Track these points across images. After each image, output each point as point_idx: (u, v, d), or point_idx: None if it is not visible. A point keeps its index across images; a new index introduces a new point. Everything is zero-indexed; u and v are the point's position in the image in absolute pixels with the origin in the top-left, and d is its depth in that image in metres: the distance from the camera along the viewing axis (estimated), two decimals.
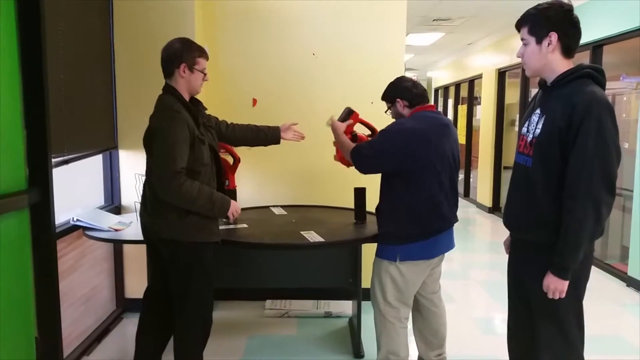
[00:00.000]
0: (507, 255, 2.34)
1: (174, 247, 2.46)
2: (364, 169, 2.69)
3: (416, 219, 2.59)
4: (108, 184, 3.67)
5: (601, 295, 4.47)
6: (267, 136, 3.04)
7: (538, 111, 2.05)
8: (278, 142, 3.09)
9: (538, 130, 2.00)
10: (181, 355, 2.59)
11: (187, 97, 2.48)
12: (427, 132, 2.56)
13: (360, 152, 2.64)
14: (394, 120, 2.77)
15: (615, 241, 5.35)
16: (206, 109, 2.63)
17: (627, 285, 4.70)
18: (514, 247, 2.26)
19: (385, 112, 2.84)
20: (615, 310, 4.17)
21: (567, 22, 1.98)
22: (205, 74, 2.52)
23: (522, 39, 2.05)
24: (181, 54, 2.43)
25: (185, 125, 2.35)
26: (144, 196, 2.57)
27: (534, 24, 2.00)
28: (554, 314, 2.04)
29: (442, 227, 2.65)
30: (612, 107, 1.92)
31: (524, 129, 2.11)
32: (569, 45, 2.00)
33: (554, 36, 1.96)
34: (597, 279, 4.88)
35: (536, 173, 2.01)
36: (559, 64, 2.00)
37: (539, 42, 1.99)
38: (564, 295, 1.96)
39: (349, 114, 2.94)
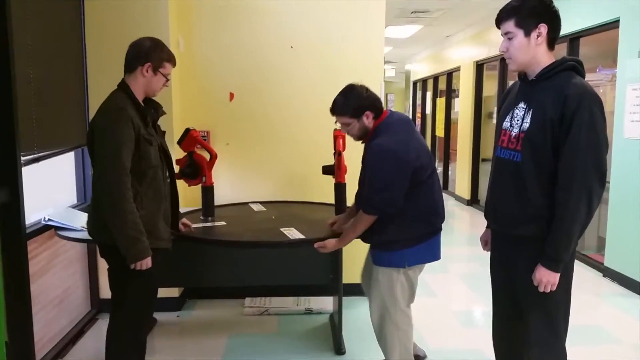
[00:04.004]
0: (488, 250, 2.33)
1: (114, 254, 2.25)
2: (393, 209, 2.41)
3: (426, 219, 2.53)
4: (80, 182, 3.57)
5: (578, 286, 4.44)
6: None
7: (522, 105, 2.03)
8: None
9: (526, 125, 1.98)
10: None
11: (140, 97, 2.34)
12: (409, 137, 2.47)
13: (375, 202, 2.41)
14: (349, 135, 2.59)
15: (591, 232, 5.41)
16: (165, 113, 2.49)
17: (604, 276, 4.76)
18: (499, 243, 2.23)
19: (342, 129, 2.59)
20: (592, 301, 4.22)
21: (553, 14, 1.97)
22: (167, 79, 2.39)
23: (506, 33, 2.00)
24: (149, 53, 2.31)
25: (129, 123, 2.20)
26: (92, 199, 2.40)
27: (521, 16, 1.96)
28: (544, 306, 2.05)
29: (440, 225, 2.61)
30: (600, 98, 1.93)
31: (506, 124, 2.08)
32: (554, 37, 2.00)
33: (543, 28, 1.94)
34: (574, 269, 4.92)
35: (527, 167, 1.98)
36: (544, 57, 1.99)
37: (527, 34, 1.96)
38: (555, 288, 1.97)
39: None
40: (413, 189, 2.43)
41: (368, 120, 2.48)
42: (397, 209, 2.42)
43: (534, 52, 1.97)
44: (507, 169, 2.07)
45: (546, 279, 1.95)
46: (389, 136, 2.44)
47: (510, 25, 1.97)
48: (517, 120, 2.02)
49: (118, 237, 2.19)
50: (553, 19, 1.97)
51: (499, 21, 2.02)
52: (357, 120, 2.48)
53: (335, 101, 2.53)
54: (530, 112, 1.98)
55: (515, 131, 2.03)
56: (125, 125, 2.19)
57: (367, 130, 2.51)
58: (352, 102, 2.48)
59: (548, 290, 1.97)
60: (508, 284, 2.18)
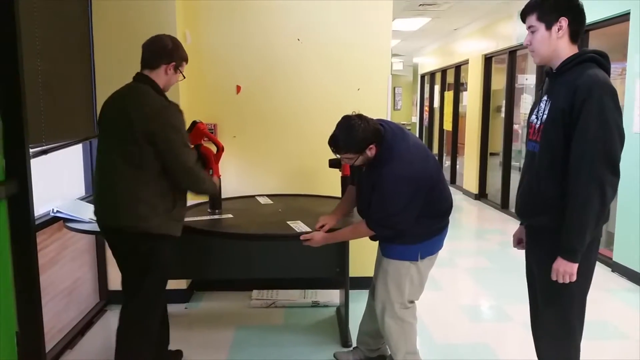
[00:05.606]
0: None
1: (148, 240, 2.39)
2: (406, 227, 2.46)
3: (442, 215, 2.60)
4: (88, 174, 3.59)
5: None
6: None
7: (545, 97, 2.07)
8: None
9: (545, 116, 2.02)
10: None
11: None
12: (411, 150, 2.46)
13: (389, 223, 2.44)
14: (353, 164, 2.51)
15: None
16: None
17: (612, 271, 4.74)
18: (526, 233, 2.28)
19: (344, 161, 2.54)
20: (601, 296, 4.19)
21: (575, 7, 2.00)
22: (183, 77, 2.57)
23: (529, 27, 2.05)
24: (173, 53, 2.44)
25: None
26: (110, 189, 2.43)
27: (542, 10, 2.00)
28: (556, 300, 2.05)
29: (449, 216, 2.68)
30: (614, 88, 1.93)
31: (533, 116, 2.13)
32: (577, 30, 2.01)
33: (564, 21, 1.97)
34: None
35: (542, 158, 2.02)
36: (566, 50, 2.02)
37: (548, 28, 1.99)
38: (574, 278, 1.95)
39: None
40: (427, 194, 2.46)
41: (372, 152, 2.42)
42: (409, 226, 2.46)
43: (555, 45, 2.00)
44: (529, 159, 2.14)
45: (563, 268, 1.95)
46: (397, 160, 2.40)
47: (532, 19, 2.01)
48: (541, 113, 2.06)
49: (210, 189, 2.64)
50: (575, 13, 1.99)
51: (524, 15, 2.06)
52: (361, 154, 2.43)
53: (336, 139, 2.42)
54: (549, 104, 2.01)
55: (538, 123, 2.07)
56: (183, 118, 2.45)
57: (370, 159, 2.46)
58: (355, 140, 2.38)
59: (567, 281, 1.95)
60: (531, 273, 2.23)
